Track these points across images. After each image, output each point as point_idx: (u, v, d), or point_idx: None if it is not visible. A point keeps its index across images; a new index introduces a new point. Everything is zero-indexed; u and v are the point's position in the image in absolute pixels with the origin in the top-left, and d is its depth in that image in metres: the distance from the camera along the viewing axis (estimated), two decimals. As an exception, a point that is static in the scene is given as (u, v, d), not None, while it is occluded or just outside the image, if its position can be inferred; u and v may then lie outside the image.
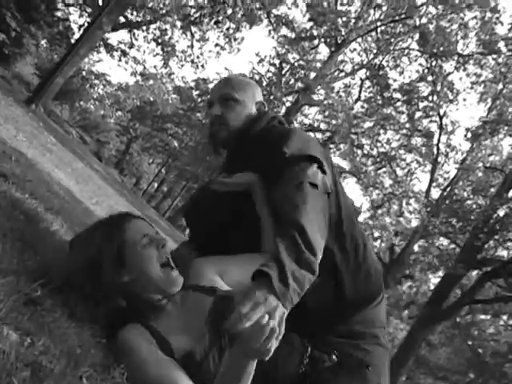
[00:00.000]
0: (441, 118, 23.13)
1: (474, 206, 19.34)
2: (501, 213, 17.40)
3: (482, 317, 26.50)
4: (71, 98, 26.11)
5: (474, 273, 20.73)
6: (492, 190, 19.74)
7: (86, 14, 23.04)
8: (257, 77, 24.23)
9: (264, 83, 23.58)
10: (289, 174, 1.69)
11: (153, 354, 1.40)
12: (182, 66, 24.36)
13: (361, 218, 26.11)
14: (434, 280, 25.56)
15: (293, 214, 1.47)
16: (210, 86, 29.92)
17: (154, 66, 30.38)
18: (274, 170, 1.75)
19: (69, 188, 4.99)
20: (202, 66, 24.13)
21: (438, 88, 22.60)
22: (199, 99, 28.33)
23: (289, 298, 1.23)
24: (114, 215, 1.84)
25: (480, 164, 21.70)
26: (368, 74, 23.96)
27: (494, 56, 20.80)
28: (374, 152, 23.78)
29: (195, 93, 30.13)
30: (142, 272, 1.63)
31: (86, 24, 21.24)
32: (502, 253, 18.54)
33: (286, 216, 1.49)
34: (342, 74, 24.09)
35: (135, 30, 22.94)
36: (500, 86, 21.08)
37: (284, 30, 23.96)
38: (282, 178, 1.70)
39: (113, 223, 1.75)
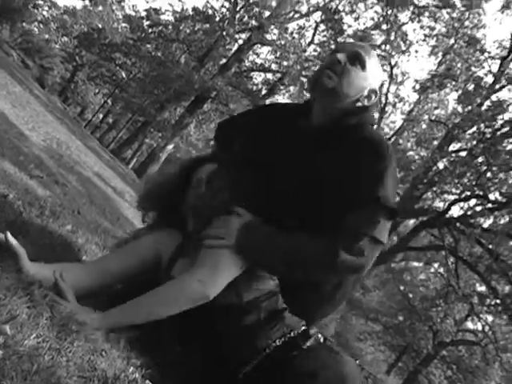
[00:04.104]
0: (392, 67, 23.22)
1: (416, 157, 19.78)
2: (440, 165, 17.89)
3: (415, 264, 27.68)
4: (12, 18, 24.63)
5: (411, 221, 21.42)
6: (435, 142, 20.18)
7: None
8: (210, 11, 23.54)
9: (217, 18, 22.96)
10: (367, 217, 1.73)
11: None
12: (133, -7, 23.35)
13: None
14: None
15: None
16: (162, 17, 28.92)
17: (104, -9, 29.02)
18: (358, 199, 1.74)
19: (3, 111, 4.74)
20: (154, -5, 23.20)
21: (392, 37, 22.56)
22: (150, 30, 27.34)
23: None
24: None
25: (425, 116, 22.08)
26: (323, 17, 23.61)
27: (449, 10, 20.81)
28: (324, 96, 23.75)
29: (146, 23, 29.01)
30: None
31: None
32: (439, 204, 19.19)
33: None
34: (297, 15, 23.67)
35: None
36: (452, 41, 21.21)
37: (241, -36, 23.19)
38: (360, 216, 1.72)
39: None
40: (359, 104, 1.91)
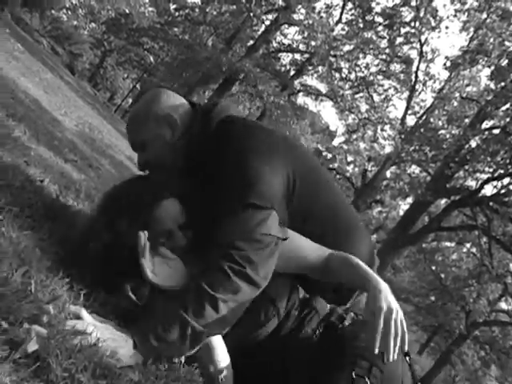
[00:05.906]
0: (421, 45, 22.83)
1: (448, 136, 19.46)
2: (472, 144, 17.59)
3: (447, 244, 27.35)
4: (41, 6, 24.79)
5: (443, 201, 21.16)
6: (466, 120, 19.83)
7: None
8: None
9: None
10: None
11: None
12: (159, -24, 23.34)
13: (335, 142, 26.26)
14: (404, 206, 26.08)
15: None
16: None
17: (130, -24, 29.07)
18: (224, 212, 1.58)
19: (36, 97, 4.82)
20: (180, -24, 23.17)
21: (421, 14, 22.14)
22: (176, 13, 27.30)
23: None
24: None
25: (457, 94, 21.69)
26: (351, -6, 23.27)
27: (481, -18, 20.31)
28: (352, 76, 23.50)
29: (172, 6, 28.98)
30: None
31: None
32: (471, 183, 18.90)
33: None
34: (325, -6, 23.40)
35: None
36: (484, 16, 20.65)
37: None
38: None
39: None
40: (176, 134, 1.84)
